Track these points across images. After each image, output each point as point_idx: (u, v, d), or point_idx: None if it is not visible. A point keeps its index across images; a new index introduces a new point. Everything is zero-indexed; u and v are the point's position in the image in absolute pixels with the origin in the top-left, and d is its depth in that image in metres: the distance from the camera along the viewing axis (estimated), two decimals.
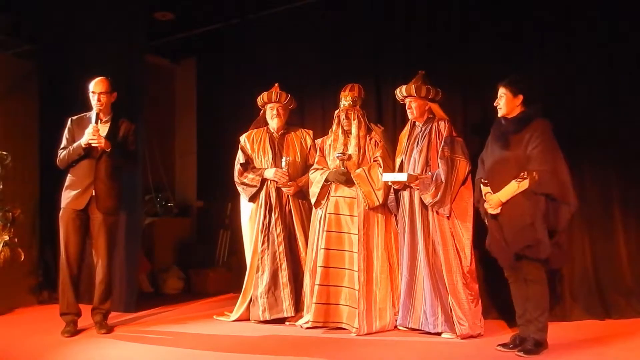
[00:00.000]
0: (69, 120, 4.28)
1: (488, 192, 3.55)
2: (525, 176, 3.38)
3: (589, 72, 4.42)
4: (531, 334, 3.45)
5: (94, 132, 4.04)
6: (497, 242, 3.54)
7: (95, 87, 4.18)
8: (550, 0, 4.49)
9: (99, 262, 4.22)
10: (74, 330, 4.11)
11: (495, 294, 4.20)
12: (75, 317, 4.17)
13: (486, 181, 3.59)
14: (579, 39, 4.43)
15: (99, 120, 4.15)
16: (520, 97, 3.55)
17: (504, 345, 3.58)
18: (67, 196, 4.15)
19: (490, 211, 3.54)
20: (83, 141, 4.07)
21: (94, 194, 4.12)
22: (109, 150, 4.08)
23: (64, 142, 4.21)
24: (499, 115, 3.62)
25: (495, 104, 3.63)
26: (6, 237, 4.70)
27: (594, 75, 4.42)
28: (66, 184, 4.19)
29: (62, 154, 4.16)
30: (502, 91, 3.59)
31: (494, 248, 3.60)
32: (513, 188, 3.42)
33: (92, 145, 4.05)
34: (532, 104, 3.55)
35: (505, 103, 3.58)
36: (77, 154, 4.11)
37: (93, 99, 4.17)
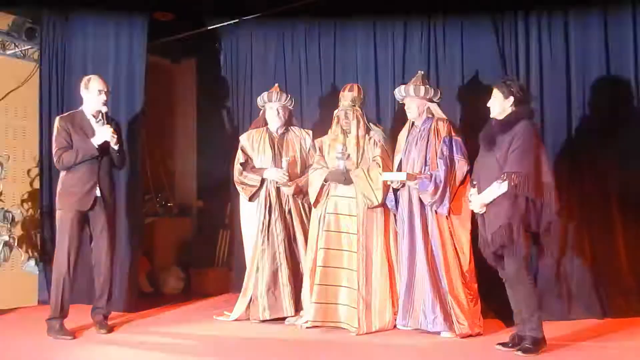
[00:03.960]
0: (59, 119, 4.16)
1: (473, 194, 3.60)
2: (504, 178, 3.39)
3: (588, 71, 4.43)
4: (527, 333, 3.46)
5: (113, 132, 4.06)
6: (483, 240, 3.59)
7: (103, 85, 4.16)
8: (551, 1, 4.50)
9: (103, 261, 4.18)
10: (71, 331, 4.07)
11: (495, 293, 4.19)
12: (63, 320, 4.09)
13: (475, 182, 3.63)
14: (579, 39, 4.43)
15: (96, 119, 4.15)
16: (511, 98, 3.54)
17: (503, 344, 3.58)
18: (68, 197, 4.05)
19: (475, 210, 3.59)
20: (97, 141, 4.04)
21: (98, 194, 4.11)
22: (117, 147, 4.10)
23: (61, 142, 4.07)
24: (491, 115, 3.63)
25: (488, 104, 3.64)
26: (6, 237, 4.71)
27: (593, 74, 4.42)
28: (64, 184, 4.09)
29: (65, 155, 4.03)
30: (494, 92, 3.60)
31: (480, 246, 3.66)
32: (494, 189, 3.44)
33: (111, 143, 4.06)
34: (521, 106, 3.54)
35: (497, 104, 3.58)
36: (91, 154, 4.05)
37: (99, 97, 4.13)
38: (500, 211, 3.41)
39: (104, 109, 4.15)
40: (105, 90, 4.17)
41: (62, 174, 4.13)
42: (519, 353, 3.41)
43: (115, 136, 4.07)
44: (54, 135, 4.14)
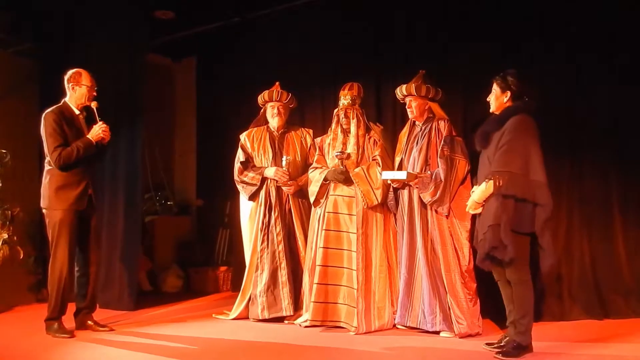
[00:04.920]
0: (51, 114, 4.01)
1: (474, 191, 3.56)
2: (490, 177, 3.33)
3: (588, 71, 4.42)
4: (513, 336, 3.41)
5: (106, 128, 4.04)
6: (476, 240, 3.56)
7: (91, 81, 4.11)
8: (551, 0, 4.50)
9: (94, 261, 4.18)
10: (70, 330, 4.07)
11: (494, 293, 4.19)
12: (62, 318, 4.09)
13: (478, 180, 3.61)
14: (579, 39, 4.43)
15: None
16: (508, 93, 3.48)
17: (489, 344, 3.57)
18: (65, 196, 3.98)
19: (469, 211, 3.57)
20: (94, 137, 4.02)
21: (91, 193, 4.10)
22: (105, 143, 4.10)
23: (58, 139, 3.96)
24: (490, 110, 3.60)
25: (487, 99, 3.61)
26: (5, 236, 4.69)
27: (593, 74, 4.42)
28: (58, 184, 3.99)
29: (65, 152, 3.94)
30: (493, 86, 3.56)
31: (474, 245, 3.65)
32: (483, 189, 3.40)
33: (104, 140, 4.05)
34: (518, 101, 3.47)
35: (494, 99, 3.55)
36: (91, 152, 4.03)
37: (88, 93, 4.09)
38: (490, 212, 3.36)
39: (94, 105, 4.11)
40: (94, 85, 4.14)
41: (50, 173, 4.03)
42: (499, 356, 3.35)
43: (106, 132, 4.06)
44: (47, 131, 3.99)
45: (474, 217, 3.85)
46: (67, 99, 4.14)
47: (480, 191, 3.42)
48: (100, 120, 4.08)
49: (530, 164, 3.31)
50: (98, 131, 4.05)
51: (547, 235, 3.35)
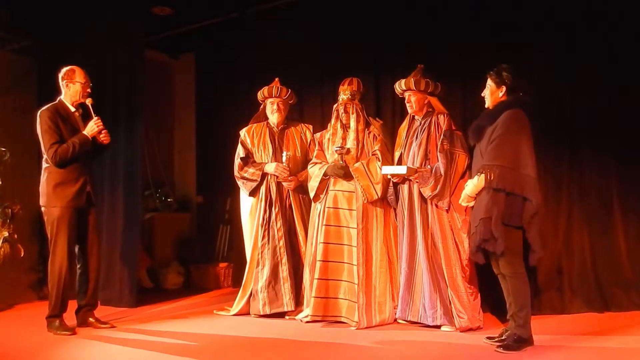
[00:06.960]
0: (46, 112, 4.00)
1: (467, 185, 3.56)
2: (482, 171, 3.35)
3: (589, 68, 4.41)
4: (513, 329, 3.42)
5: (101, 123, 4.02)
6: (470, 232, 3.57)
7: (85, 78, 4.09)
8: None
9: (95, 257, 4.17)
10: (71, 327, 4.07)
11: (495, 287, 4.19)
12: (63, 316, 4.09)
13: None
14: (579, 37, 4.42)
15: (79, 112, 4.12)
16: (503, 88, 3.48)
17: (490, 338, 3.58)
18: (63, 194, 3.97)
19: (462, 204, 3.59)
20: (89, 133, 4.01)
21: (89, 189, 4.09)
22: (107, 143, 4.09)
23: (53, 136, 3.95)
24: (485, 106, 3.59)
25: (482, 94, 3.61)
26: (6, 233, 4.69)
27: (594, 71, 4.41)
28: (56, 181, 3.98)
29: (61, 149, 3.94)
30: (488, 81, 3.56)
31: (468, 237, 3.68)
32: (475, 182, 3.41)
33: (102, 138, 4.04)
34: (511, 95, 3.46)
35: (489, 94, 3.55)
36: (87, 148, 4.02)
37: (82, 90, 4.07)
38: (481, 205, 3.37)
39: (89, 101, 4.10)
40: (89, 83, 4.12)
41: (48, 171, 4.02)
42: (500, 350, 3.36)
43: (104, 129, 4.05)
44: (42, 129, 3.98)
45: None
46: (62, 96, 4.13)
47: (473, 185, 3.43)
48: (96, 116, 4.07)
49: (520, 158, 3.33)
50: (93, 126, 4.04)
51: (533, 231, 3.37)
